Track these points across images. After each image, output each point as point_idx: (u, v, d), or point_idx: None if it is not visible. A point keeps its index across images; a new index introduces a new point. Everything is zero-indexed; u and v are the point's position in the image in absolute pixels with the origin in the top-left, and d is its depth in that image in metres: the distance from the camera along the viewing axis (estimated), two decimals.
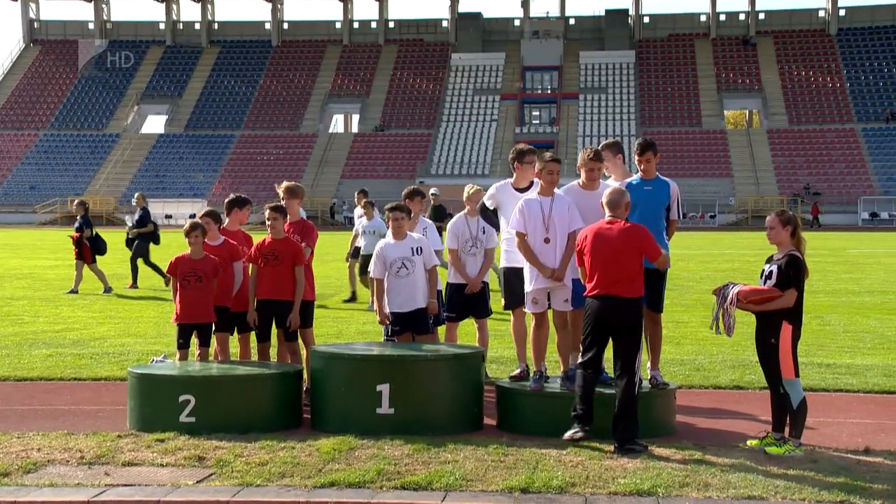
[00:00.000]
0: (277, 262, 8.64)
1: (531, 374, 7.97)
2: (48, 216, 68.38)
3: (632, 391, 7.13)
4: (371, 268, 8.79)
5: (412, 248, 8.55)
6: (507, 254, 8.35)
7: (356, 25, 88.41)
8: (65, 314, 15.35)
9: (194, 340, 8.79)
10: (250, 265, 8.85)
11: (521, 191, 8.34)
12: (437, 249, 9.15)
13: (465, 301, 9.10)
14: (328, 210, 68.10)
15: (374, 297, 9.12)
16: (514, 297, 8.28)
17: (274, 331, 8.92)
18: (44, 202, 69.59)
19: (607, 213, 7.33)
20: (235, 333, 9.15)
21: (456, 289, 9.12)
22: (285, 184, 9.36)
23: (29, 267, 25.73)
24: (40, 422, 8.03)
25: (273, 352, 9.02)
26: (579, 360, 7.37)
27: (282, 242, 8.72)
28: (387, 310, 8.67)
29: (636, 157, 8.11)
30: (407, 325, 8.60)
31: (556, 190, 7.92)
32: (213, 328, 8.90)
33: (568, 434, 7.13)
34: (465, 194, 9.33)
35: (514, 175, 8.54)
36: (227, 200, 9.44)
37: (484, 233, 9.15)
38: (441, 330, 9.34)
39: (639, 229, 7.30)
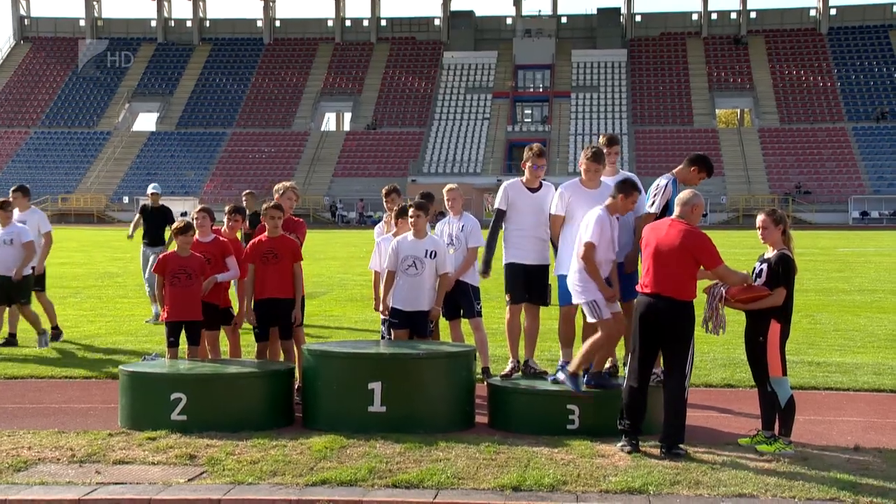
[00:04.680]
0: (277, 260, 8.65)
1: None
2: None
3: (681, 395, 6.99)
4: (386, 260, 8.70)
5: (426, 250, 8.47)
6: (514, 249, 8.36)
7: (348, 23, 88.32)
8: (55, 312, 15.30)
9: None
10: (249, 265, 8.85)
11: (533, 190, 8.36)
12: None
13: (450, 299, 9.09)
14: (329, 209, 68.18)
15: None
16: (519, 292, 8.29)
17: None
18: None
19: (676, 211, 7.16)
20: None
21: None
22: (291, 183, 9.51)
23: None
24: (31, 420, 8.01)
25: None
26: (627, 364, 7.25)
27: (279, 240, 8.73)
28: (389, 302, 8.60)
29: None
30: (406, 323, 8.57)
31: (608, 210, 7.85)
32: (202, 325, 8.92)
33: (617, 446, 7.07)
34: (444, 194, 9.33)
35: (526, 174, 8.51)
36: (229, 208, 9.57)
37: (462, 231, 9.12)
38: (445, 331, 9.32)
39: (697, 234, 7.05)
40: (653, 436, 7.27)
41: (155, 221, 14.46)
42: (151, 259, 14.28)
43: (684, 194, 7.22)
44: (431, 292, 8.52)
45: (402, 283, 8.49)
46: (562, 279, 8.01)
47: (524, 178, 8.49)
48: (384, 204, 9.47)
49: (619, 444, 7.03)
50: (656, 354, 7.17)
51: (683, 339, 7.03)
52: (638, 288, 7.19)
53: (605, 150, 8.33)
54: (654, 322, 6.99)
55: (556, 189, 8.37)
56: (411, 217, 8.53)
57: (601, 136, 8.53)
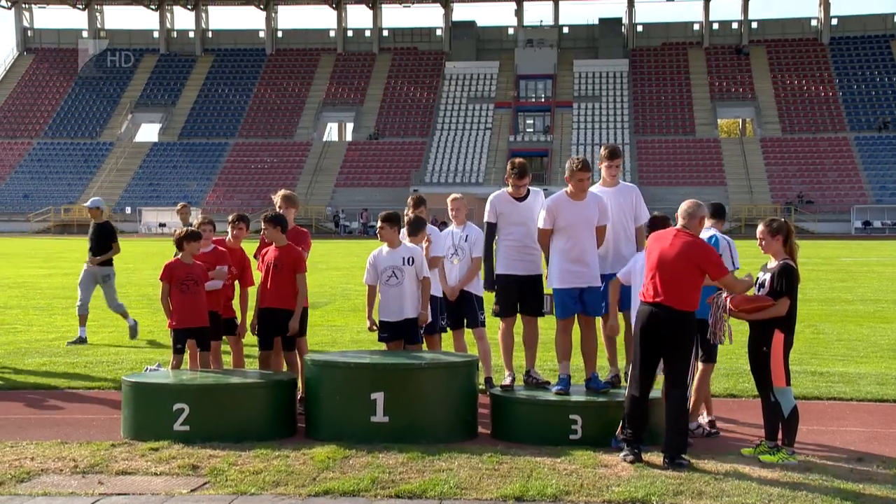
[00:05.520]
0: (277, 270, 8.67)
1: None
2: (42, 225, 68.25)
3: (683, 405, 6.99)
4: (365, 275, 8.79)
5: (403, 258, 8.51)
6: (506, 260, 8.33)
7: (350, 34, 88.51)
8: (58, 323, 15.32)
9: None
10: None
11: (519, 200, 8.34)
12: (437, 256, 9.03)
13: (454, 309, 9.09)
14: (331, 219, 68.27)
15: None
16: (508, 305, 8.28)
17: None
18: (37, 211, 69.48)
19: (680, 222, 7.17)
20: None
21: (445, 297, 9.14)
22: (283, 192, 9.40)
23: (22, 276, 25.68)
24: (34, 431, 8.01)
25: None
26: (630, 373, 7.22)
27: (283, 250, 8.75)
28: (375, 317, 8.64)
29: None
30: (396, 333, 8.58)
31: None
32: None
33: (620, 456, 7.05)
34: (448, 203, 9.35)
35: (511, 186, 8.48)
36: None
37: (467, 241, 9.12)
38: (448, 340, 9.31)
39: (701, 245, 7.08)
40: (653, 446, 7.26)
41: (99, 238, 13.39)
42: (85, 276, 13.42)
43: (689, 206, 7.22)
44: (415, 299, 8.54)
45: (386, 295, 8.53)
46: (558, 293, 7.98)
47: (509, 190, 8.44)
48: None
49: (622, 454, 7.02)
50: (657, 364, 7.16)
51: (685, 348, 7.03)
52: (639, 297, 7.18)
53: (606, 163, 8.32)
54: (656, 331, 6.98)
55: (543, 196, 8.33)
56: (379, 230, 8.58)
57: (603, 148, 8.50)
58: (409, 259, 8.51)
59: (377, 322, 8.65)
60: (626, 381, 7.75)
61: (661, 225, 7.65)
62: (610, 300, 7.88)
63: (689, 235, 7.09)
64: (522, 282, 8.26)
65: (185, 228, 9.04)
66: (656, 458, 6.98)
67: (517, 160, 8.50)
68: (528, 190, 8.41)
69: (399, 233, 8.70)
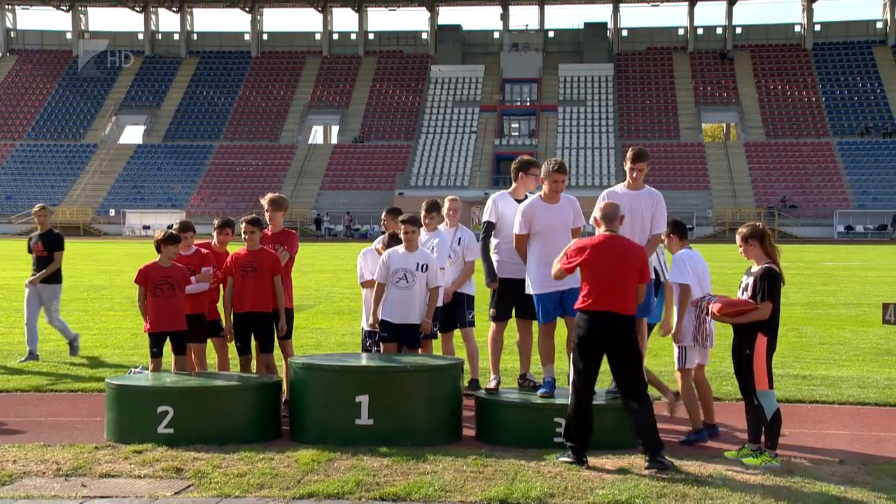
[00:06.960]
0: (256, 273, 8.65)
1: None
2: (24, 227, 67.72)
3: (647, 407, 6.99)
4: (376, 272, 8.73)
5: (418, 264, 8.45)
6: (503, 264, 8.30)
7: (336, 37, 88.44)
8: (41, 325, 15.21)
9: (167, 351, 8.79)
10: (229, 278, 8.83)
11: (521, 202, 8.30)
12: (441, 266, 8.92)
13: (446, 312, 9.10)
14: (313, 222, 68.16)
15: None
16: (506, 309, 8.28)
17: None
18: (20, 212, 69.07)
19: (603, 227, 7.18)
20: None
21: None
22: (269, 196, 9.38)
23: (4, 278, 25.53)
24: (16, 433, 7.97)
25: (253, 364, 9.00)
26: (571, 380, 7.16)
27: (259, 253, 8.73)
28: (379, 314, 8.59)
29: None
30: (394, 335, 8.55)
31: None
32: (189, 337, 8.88)
33: (562, 459, 7.04)
34: (444, 206, 9.34)
35: (515, 185, 8.44)
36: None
37: (459, 244, 9.11)
38: (437, 342, 9.31)
39: (640, 248, 7.25)
40: (637, 449, 7.29)
41: None
42: None
43: (609, 208, 7.19)
44: (422, 306, 8.51)
45: (393, 296, 8.49)
46: (539, 298, 7.94)
47: (510, 190, 8.45)
48: (423, 220, 9.08)
49: (568, 458, 6.97)
50: (598, 369, 7.18)
51: (637, 351, 7.11)
52: (579, 305, 7.09)
53: (629, 164, 8.12)
54: (604, 340, 6.98)
55: None
56: (404, 233, 8.53)
57: (630, 150, 8.28)
58: (423, 266, 8.46)
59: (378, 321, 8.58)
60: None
61: (684, 229, 7.97)
62: (665, 304, 7.88)
63: (624, 240, 7.20)
64: (517, 285, 8.21)
65: (163, 231, 8.92)
66: (639, 460, 7.01)
67: (526, 157, 8.51)
68: (527, 195, 8.38)
69: (420, 233, 8.64)
